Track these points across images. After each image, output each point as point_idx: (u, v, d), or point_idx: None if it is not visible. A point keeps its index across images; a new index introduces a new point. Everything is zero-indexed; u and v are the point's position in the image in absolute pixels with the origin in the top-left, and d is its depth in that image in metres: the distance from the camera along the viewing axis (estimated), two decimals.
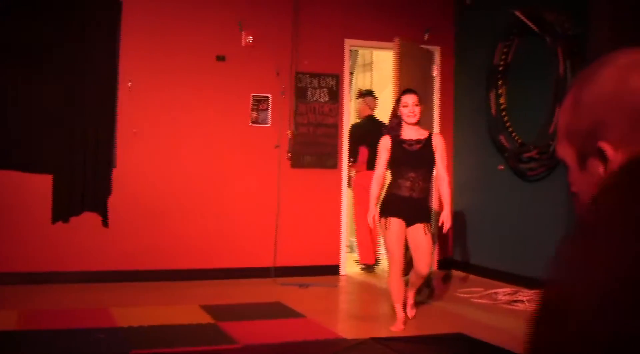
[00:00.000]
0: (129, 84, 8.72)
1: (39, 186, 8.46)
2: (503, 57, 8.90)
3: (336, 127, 9.48)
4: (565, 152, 1.40)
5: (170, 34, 8.89)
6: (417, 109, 6.52)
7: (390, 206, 6.52)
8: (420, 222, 6.46)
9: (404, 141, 6.56)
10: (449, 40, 10.05)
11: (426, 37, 9.80)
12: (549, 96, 8.12)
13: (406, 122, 6.54)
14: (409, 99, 6.54)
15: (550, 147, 8.00)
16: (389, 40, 9.61)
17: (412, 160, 6.53)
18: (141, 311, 7.02)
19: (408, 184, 6.50)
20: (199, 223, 8.97)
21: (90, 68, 8.57)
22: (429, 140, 6.60)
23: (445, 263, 9.70)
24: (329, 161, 9.46)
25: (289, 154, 9.24)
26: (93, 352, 5.56)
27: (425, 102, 6.79)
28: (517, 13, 8.37)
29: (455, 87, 10.00)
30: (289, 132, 9.25)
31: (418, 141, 6.56)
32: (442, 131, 9.94)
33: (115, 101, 8.71)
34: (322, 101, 9.41)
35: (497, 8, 9.01)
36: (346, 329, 6.29)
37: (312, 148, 9.39)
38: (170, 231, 8.87)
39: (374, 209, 6.55)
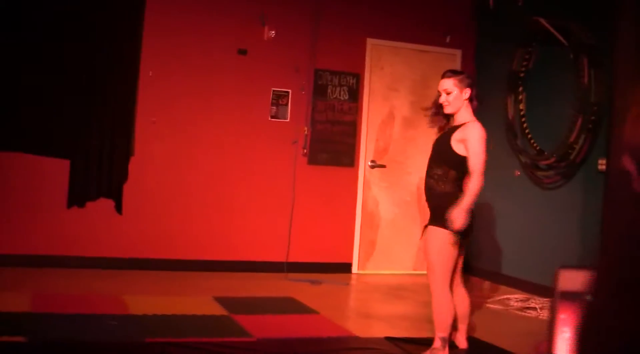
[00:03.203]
0: (150, 74, 8.73)
1: (56, 171, 8.48)
2: (524, 63, 8.89)
3: (354, 125, 9.49)
4: (631, 165, 1.40)
5: (192, 25, 8.90)
6: (452, 96, 5.42)
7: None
8: (430, 224, 5.42)
9: (446, 129, 5.59)
10: (470, 44, 10.04)
11: (448, 40, 9.81)
12: (569, 105, 8.12)
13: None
14: (440, 86, 5.53)
15: (570, 155, 8.00)
16: (411, 41, 9.65)
17: (432, 153, 5.58)
18: (154, 300, 7.03)
19: (425, 190, 5.58)
20: (213, 215, 8.98)
21: (113, 56, 8.59)
22: (453, 129, 5.46)
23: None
24: (346, 159, 9.46)
25: (305, 151, 9.25)
26: (106, 338, 5.56)
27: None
28: (542, 21, 8.36)
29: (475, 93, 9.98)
30: (305, 128, 9.26)
31: (452, 128, 5.48)
32: None
33: (135, 89, 8.73)
34: (342, 99, 9.42)
35: (519, 14, 8.99)
36: (359, 328, 6.29)
37: (329, 145, 9.40)
38: (183, 221, 8.89)
39: None
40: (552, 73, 8.54)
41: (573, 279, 1.04)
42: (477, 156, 5.25)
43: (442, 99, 5.42)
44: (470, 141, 5.28)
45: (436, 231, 5.25)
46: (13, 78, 8.25)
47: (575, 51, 8.05)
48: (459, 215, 5.16)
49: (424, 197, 5.60)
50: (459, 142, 5.31)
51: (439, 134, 5.60)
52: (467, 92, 5.39)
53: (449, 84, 5.41)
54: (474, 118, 5.40)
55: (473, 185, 5.26)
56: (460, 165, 5.37)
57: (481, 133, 5.28)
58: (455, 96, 5.38)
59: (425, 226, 5.43)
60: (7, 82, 8.23)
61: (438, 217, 5.27)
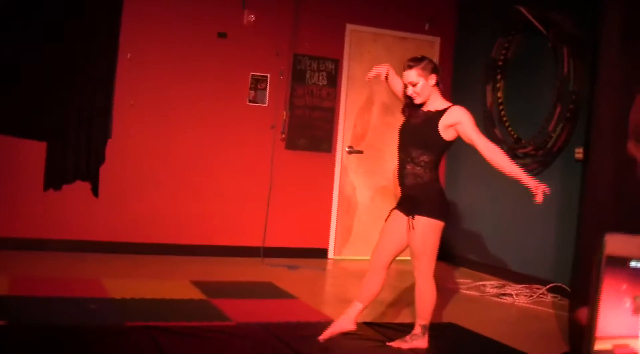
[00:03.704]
0: (129, 56, 8.69)
1: (33, 153, 8.43)
2: (503, 51, 8.92)
3: (332, 111, 9.50)
4: (637, 150, 1.42)
5: (172, 8, 8.86)
6: (418, 87, 5.24)
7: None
8: (419, 214, 5.26)
9: (414, 111, 5.39)
10: (449, 31, 10.07)
11: (427, 27, 9.83)
12: (548, 94, 8.17)
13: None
14: (404, 78, 5.33)
15: (548, 144, 8.06)
16: (391, 27, 9.66)
17: (413, 138, 5.33)
18: (132, 284, 7.01)
19: (399, 167, 5.45)
20: (190, 198, 8.98)
21: (91, 38, 8.53)
22: (435, 115, 5.28)
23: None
24: (324, 144, 9.47)
25: (283, 135, 9.25)
26: (86, 322, 5.54)
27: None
28: (522, 9, 8.39)
29: (453, 79, 10.02)
30: (284, 113, 9.26)
31: (426, 114, 5.32)
32: None
33: (114, 71, 8.68)
34: (321, 84, 9.43)
35: (499, 2, 9.04)
36: (337, 312, 6.28)
37: (307, 131, 9.41)
38: (161, 205, 8.87)
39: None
40: (532, 62, 8.59)
41: (621, 244, 1.04)
42: (479, 136, 5.25)
43: (410, 91, 5.28)
44: (465, 124, 5.23)
45: (428, 222, 5.21)
46: None
47: (554, 41, 8.10)
48: (533, 180, 5.12)
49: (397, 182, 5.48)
50: (448, 127, 5.23)
51: (409, 119, 5.43)
52: (433, 78, 5.27)
53: (412, 75, 5.25)
54: (449, 102, 5.37)
55: (502, 156, 5.26)
56: (443, 152, 5.38)
57: (469, 114, 5.28)
58: (422, 85, 5.24)
59: (411, 216, 5.25)
60: None
61: (428, 208, 5.23)
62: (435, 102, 5.31)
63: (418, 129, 5.31)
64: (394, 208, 5.49)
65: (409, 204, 5.33)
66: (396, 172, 5.50)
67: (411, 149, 5.30)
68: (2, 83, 8.22)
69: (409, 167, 5.31)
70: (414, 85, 5.24)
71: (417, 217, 5.24)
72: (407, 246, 5.40)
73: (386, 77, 5.70)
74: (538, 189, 5.04)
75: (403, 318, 6.41)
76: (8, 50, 8.21)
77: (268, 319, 5.97)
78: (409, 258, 5.43)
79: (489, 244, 9.08)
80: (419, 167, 5.28)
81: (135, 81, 8.74)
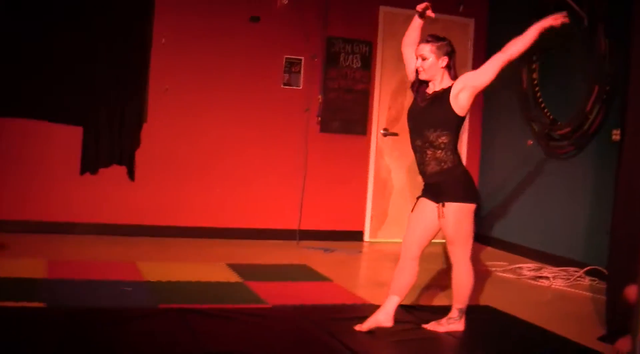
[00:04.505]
0: (163, 41, 8.71)
1: (69, 137, 8.51)
2: None
3: (367, 93, 9.47)
4: None
5: None
6: (427, 63, 5.14)
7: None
8: (450, 201, 5.16)
9: (421, 94, 5.30)
10: (483, 13, 9.99)
11: (461, 9, 9.74)
12: (584, 75, 8.07)
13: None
14: (417, 51, 5.21)
15: (584, 126, 7.97)
16: None
17: (429, 119, 5.17)
18: (167, 267, 7.06)
19: (417, 157, 5.32)
20: (225, 182, 9.01)
21: (126, 23, 8.57)
22: (442, 93, 5.15)
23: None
24: (358, 127, 9.45)
25: (319, 118, 9.25)
26: (121, 304, 5.59)
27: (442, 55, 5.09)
28: None
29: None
30: (319, 96, 9.24)
31: (433, 94, 5.20)
32: (473, 105, 9.86)
33: (148, 56, 8.72)
34: (354, 67, 9.40)
35: None
36: (372, 295, 6.30)
37: (341, 113, 9.39)
38: (196, 188, 8.91)
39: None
40: (567, 43, 8.48)
41: None
42: (485, 65, 5.12)
43: (418, 63, 5.17)
44: (469, 74, 5.16)
45: (460, 207, 5.12)
46: (26, 46, 8.24)
47: (590, 20, 7.99)
48: (546, 20, 5.11)
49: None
50: (458, 93, 5.07)
51: (419, 100, 5.29)
52: (444, 61, 5.15)
53: (425, 49, 5.14)
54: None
55: (513, 47, 5.11)
56: (459, 129, 5.20)
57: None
58: (431, 63, 5.13)
59: (441, 204, 5.14)
60: (20, 50, 8.23)
61: (456, 192, 5.13)
62: (443, 82, 5.18)
63: (430, 109, 5.17)
64: (420, 196, 5.37)
65: (435, 191, 5.22)
66: (415, 163, 5.36)
67: (427, 132, 5.14)
68: (39, 69, 8.28)
69: (429, 152, 5.17)
70: (424, 59, 5.14)
71: (447, 204, 5.13)
72: (436, 234, 5.34)
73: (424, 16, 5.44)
74: (556, 19, 5.08)
75: (438, 300, 6.38)
76: (44, 37, 8.26)
77: (303, 302, 5.97)
78: (443, 241, 5.38)
79: (525, 226, 9.02)
80: (440, 151, 5.13)
81: (169, 66, 8.77)
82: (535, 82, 8.87)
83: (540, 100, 8.77)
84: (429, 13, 5.40)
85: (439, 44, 5.16)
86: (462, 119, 5.16)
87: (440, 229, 5.28)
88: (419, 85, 5.30)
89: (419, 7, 5.41)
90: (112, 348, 4.56)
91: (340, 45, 9.38)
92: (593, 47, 7.92)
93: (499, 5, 9.84)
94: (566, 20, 5.08)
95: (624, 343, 5.04)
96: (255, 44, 9.06)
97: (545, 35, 5.22)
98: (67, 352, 4.42)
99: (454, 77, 5.21)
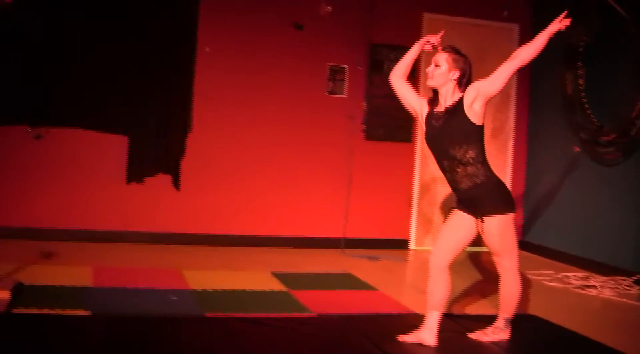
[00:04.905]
0: (208, 49, 8.76)
1: (116, 146, 8.59)
2: (583, 37, 8.75)
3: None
4: None
5: (249, 1, 8.91)
6: (438, 70, 5.04)
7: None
8: (489, 214, 5.10)
9: (434, 116, 5.15)
10: (527, 18, 9.91)
11: (505, 14, 9.67)
12: (631, 80, 7.97)
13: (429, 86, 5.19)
14: (435, 56, 5.14)
15: (631, 131, 7.88)
16: (468, 15, 9.55)
17: (437, 142, 5.12)
18: (212, 275, 7.08)
19: (447, 176, 5.21)
20: (270, 191, 9.02)
21: (170, 33, 8.63)
22: (459, 103, 5.04)
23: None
24: (402, 134, 9.42)
25: (363, 126, 9.23)
26: (167, 313, 5.62)
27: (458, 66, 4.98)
28: None
29: (532, 67, 9.86)
30: (363, 103, 9.23)
31: (445, 111, 5.07)
32: (518, 112, 9.87)
33: (193, 65, 8.76)
34: None
35: None
36: (417, 304, 6.27)
37: (386, 120, 9.36)
38: (241, 196, 8.94)
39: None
40: (613, 47, 8.39)
41: None
42: (496, 72, 4.98)
43: (429, 69, 5.08)
44: (480, 83, 4.99)
45: (500, 219, 5.05)
46: (73, 56, 8.33)
47: (636, 23, 7.90)
48: (552, 25, 5.10)
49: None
50: (472, 104, 4.97)
51: (433, 113, 5.13)
52: (456, 74, 5.02)
53: (441, 57, 5.06)
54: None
55: (525, 51, 5.05)
56: (481, 140, 5.07)
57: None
58: (442, 71, 5.02)
59: (480, 220, 5.08)
60: (67, 60, 8.32)
61: (494, 205, 5.04)
62: (454, 96, 5.05)
63: (448, 126, 5.04)
64: (454, 208, 5.30)
65: (472, 205, 5.13)
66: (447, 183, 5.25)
67: (452, 150, 5.03)
68: (86, 80, 8.37)
69: (459, 170, 5.06)
70: (437, 66, 5.04)
71: (486, 218, 5.07)
72: (467, 245, 5.28)
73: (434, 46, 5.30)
74: (562, 23, 5.07)
75: (480, 309, 6.33)
76: (89, 49, 8.35)
77: (348, 311, 5.96)
78: (485, 249, 5.32)
79: (572, 233, 8.93)
80: (470, 166, 5.03)
81: (214, 75, 8.81)
82: (581, 87, 8.78)
83: (586, 105, 8.68)
84: (428, 47, 5.34)
85: (456, 56, 5.08)
86: (482, 128, 5.05)
87: (470, 240, 5.23)
88: (431, 101, 5.21)
89: (434, 42, 5.30)
90: None
91: (384, 53, 9.36)
92: (636, 52, 7.82)
93: (543, 9, 9.74)
94: (567, 23, 5.06)
95: None
96: (299, 52, 9.07)
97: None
98: None
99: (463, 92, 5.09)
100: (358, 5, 9.22)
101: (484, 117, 5.05)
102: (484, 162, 5.07)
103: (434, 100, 5.19)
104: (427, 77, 5.14)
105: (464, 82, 5.05)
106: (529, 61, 5.07)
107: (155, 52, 8.58)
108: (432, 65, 5.07)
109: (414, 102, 5.30)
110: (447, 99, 5.08)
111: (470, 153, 5.01)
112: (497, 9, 9.59)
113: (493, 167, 5.22)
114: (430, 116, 5.16)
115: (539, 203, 9.57)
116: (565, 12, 5.07)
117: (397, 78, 5.38)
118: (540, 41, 5.07)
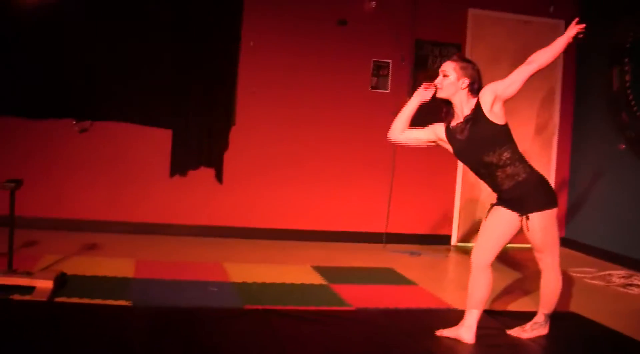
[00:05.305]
0: (252, 44, 8.80)
1: (159, 140, 8.67)
2: (630, 33, 8.66)
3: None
4: None
5: None
6: (447, 80, 5.01)
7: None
8: (534, 211, 5.05)
9: (455, 130, 5.10)
10: (573, 14, 9.79)
11: (551, 10, 9.59)
12: None
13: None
14: (441, 67, 5.11)
15: None
16: (513, 11, 9.49)
17: (469, 154, 5.10)
18: (253, 268, 7.12)
19: (488, 182, 5.16)
20: (312, 185, 9.04)
21: (215, 27, 8.68)
22: (477, 109, 4.95)
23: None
24: None
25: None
26: (207, 304, 5.66)
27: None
28: None
29: (578, 64, 9.79)
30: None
31: (466, 121, 5.02)
32: (563, 108, 9.79)
33: (237, 60, 8.81)
34: None
35: None
36: (457, 300, 6.26)
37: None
38: (283, 191, 8.97)
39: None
40: None
41: None
42: (513, 75, 4.92)
43: (438, 80, 5.04)
44: (496, 84, 4.92)
45: (544, 216, 4.99)
46: (118, 50, 8.41)
47: None
48: (569, 30, 4.98)
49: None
50: (492, 107, 4.89)
51: (453, 127, 5.09)
52: (465, 82, 4.95)
53: (449, 66, 5.01)
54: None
55: (542, 55, 4.95)
56: (510, 136, 5.02)
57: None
58: (451, 81, 4.98)
59: (525, 216, 5.01)
60: (113, 54, 8.40)
61: (538, 202, 4.99)
62: (467, 104, 4.99)
63: (474, 136, 4.97)
64: (494, 204, 5.22)
65: (515, 203, 5.07)
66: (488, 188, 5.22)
67: (486, 157, 4.98)
68: (131, 74, 8.44)
69: (499, 173, 5.00)
70: (445, 76, 4.99)
71: (531, 216, 5.02)
72: (509, 242, 5.24)
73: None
74: (578, 28, 4.94)
75: (520, 306, 6.30)
76: (135, 42, 8.43)
77: (387, 305, 5.97)
78: (527, 246, 5.29)
79: (615, 231, 8.84)
80: (509, 167, 4.97)
81: (257, 69, 8.85)
82: (628, 84, 8.69)
83: (632, 103, 8.59)
84: (427, 97, 5.26)
85: (463, 64, 5.01)
86: (507, 126, 4.99)
87: (512, 237, 5.19)
88: (446, 115, 5.17)
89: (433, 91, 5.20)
90: (195, 348, 4.61)
91: (428, 48, 9.33)
92: None
93: (589, 5, 9.65)
94: (581, 28, 4.94)
95: None
96: (343, 47, 9.08)
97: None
98: (151, 351, 4.49)
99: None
100: (403, 1, 9.19)
101: (505, 115, 4.98)
102: (520, 159, 5.02)
103: (447, 113, 5.17)
104: (436, 90, 5.08)
105: (475, 88, 4.98)
106: (546, 66, 4.99)
107: (201, 47, 8.63)
108: (440, 76, 5.02)
109: (427, 136, 5.31)
110: (463, 109, 5.01)
111: (506, 154, 4.95)
112: (543, 4, 9.51)
113: (536, 164, 5.21)
114: (451, 132, 5.11)
115: (582, 200, 9.50)
116: (577, 19, 4.98)
117: (397, 136, 5.42)
118: (558, 46, 4.97)
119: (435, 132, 5.25)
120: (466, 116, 4.99)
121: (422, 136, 5.35)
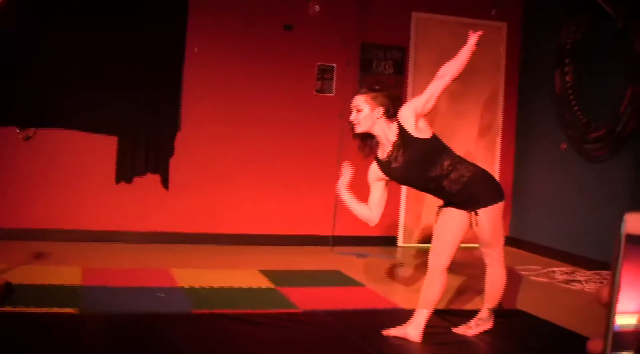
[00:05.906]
0: (196, 50, 8.80)
1: (104, 147, 8.62)
2: (571, 35, 8.80)
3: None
4: None
5: (238, 1, 8.95)
6: (361, 114, 4.96)
7: None
8: (480, 207, 5.09)
9: (389, 160, 5.08)
10: (516, 16, 9.96)
11: (493, 12, 9.70)
12: (619, 77, 8.02)
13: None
14: (352, 102, 5.06)
15: (618, 127, 7.93)
16: (457, 14, 9.59)
17: (411, 178, 5.15)
18: (201, 273, 7.11)
19: (437, 194, 5.19)
20: (259, 189, 9.06)
21: (159, 33, 8.67)
22: (402, 132, 4.92)
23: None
24: None
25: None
26: (154, 310, 5.65)
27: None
28: None
29: (521, 66, 9.93)
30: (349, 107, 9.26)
31: (396, 147, 4.99)
32: (506, 109, 9.91)
33: (181, 65, 8.81)
34: (387, 73, 9.42)
35: None
36: (405, 300, 6.31)
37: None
38: (229, 195, 8.98)
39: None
40: (602, 44, 8.43)
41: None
42: (429, 90, 4.95)
43: (352, 116, 4.99)
44: (415, 103, 4.97)
45: (492, 210, 5.04)
46: (61, 57, 8.35)
47: (624, 21, 7.94)
48: (471, 38, 5.10)
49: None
50: (416, 128, 4.90)
51: (385, 159, 5.09)
52: (380, 111, 4.91)
53: (360, 100, 4.95)
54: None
55: (453, 65, 5.01)
56: (442, 143, 5.05)
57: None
58: (366, 114, 4.92)
59: (473, 213, 5.05)
60: (54, 61, 8.34)
61: (485, 196, 5.04)
62: (390, 131, 4.95)
63: (410, 160, 4.97)
64: (442, 206, 5.23)
65: (462, 201, 5.09)
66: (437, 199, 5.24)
67: (432, 173, 4.98)
68: (73, 80, 8.39)
69: (445, 183, 5.00)
70: (358, 111, 4.96)
71: (480, 211, 5.05)
72: (461, 242, 5.30)
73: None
74: (474, 37, 5.11)
75: (472, 305, 6.36)
76: (78, 49, 8.38)
77: (335, 307, 6.00)
78: (476, 246, 5.35)
79: (559, 229, 8.98)
80: (452, 174, 4.97)
81: (202, 74, 8.85)
82: (569, 85, 8.83)
83: (573, 103, 8.73)
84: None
85: (374, 94, 4.97)
86: (435, 136, 5.02)
87: (464, 235, 5.25)
88: (369, 152, 5.19)
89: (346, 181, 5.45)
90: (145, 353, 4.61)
91: (373, 52, 9.40)
92: (627, 48, 7.87)
93: (531, 8, 9.80)
94: (479, 35, 5.14)
95: (595, 345, 5.00)
96: (289, 51, 9.11)
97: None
98: None
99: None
100: (348, 5, 9.26)
101: (430, 126, 5.02)
102: (460, 161, 5.05)
103: (370, 147, 5.16)
104: (353, 127, 5.04)
105: (391, 113, 4.96)
106: (458, 76, 5.03)
107: (144, 53, 8.61)
108: (354, 112, 4.99)
109: (379, 185, 5.33)
110: (388, 137, 4.98)
111: (446, 163, 4.97)
112: (486, 7, 9.62)
113: (482, 165, 5.28)
114: (385, 164, 5.10)
115: (527, 200, 9.62)
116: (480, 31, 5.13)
117: (376, 218, 5.50)
118: (464, 55, 5.05)
119: (376, 175, 5.25)
120: (394, 142, 4.96)
121: (378, 191, 5.36)
